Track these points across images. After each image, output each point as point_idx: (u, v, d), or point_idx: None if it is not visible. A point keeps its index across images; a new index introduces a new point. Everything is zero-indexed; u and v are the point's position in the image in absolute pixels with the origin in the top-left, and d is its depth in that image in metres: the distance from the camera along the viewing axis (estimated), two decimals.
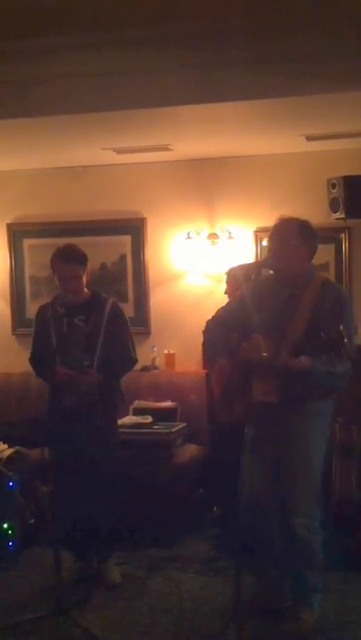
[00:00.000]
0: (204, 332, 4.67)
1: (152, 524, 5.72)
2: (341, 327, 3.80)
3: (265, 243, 5.65)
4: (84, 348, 4.89)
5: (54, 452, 4.80)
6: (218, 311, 4.63)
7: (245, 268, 4.90)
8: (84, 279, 5.02)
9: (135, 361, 5.17)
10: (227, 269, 5.85)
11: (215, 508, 5.68)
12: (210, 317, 5.23)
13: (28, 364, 5.27)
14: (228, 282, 5.69)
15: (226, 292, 5.65)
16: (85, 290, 5.06)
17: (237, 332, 4.30)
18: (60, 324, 4.90)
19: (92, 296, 5.08)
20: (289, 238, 4.23)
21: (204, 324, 4.98)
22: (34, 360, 5.16)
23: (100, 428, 4.90)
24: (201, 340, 4.81)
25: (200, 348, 5.36)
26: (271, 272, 4.43)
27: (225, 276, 5.84)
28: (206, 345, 4.78)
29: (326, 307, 4.13)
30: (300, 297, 4.22)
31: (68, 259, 4.97)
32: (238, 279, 5.08)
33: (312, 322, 4.07)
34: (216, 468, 5.20)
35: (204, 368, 5.64)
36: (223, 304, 4.73)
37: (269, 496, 4.34)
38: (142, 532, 5.66)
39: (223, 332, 4.45)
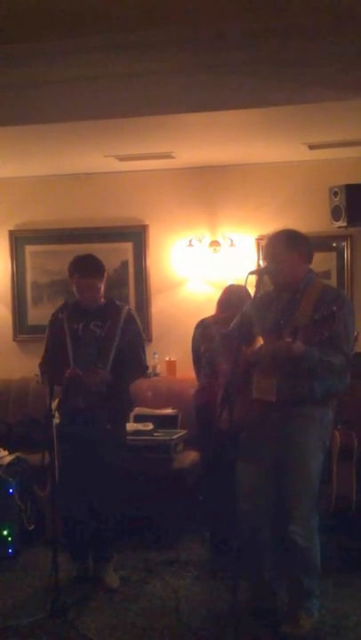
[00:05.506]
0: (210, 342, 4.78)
1: (151, 529, 5.75)
2: (335, 308, 3.88)
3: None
4: (98, 353, 4.94)
5: (61, 452, 4.81)
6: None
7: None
8: (102, 289, 5.06)
9: (146, 368, 5.26)
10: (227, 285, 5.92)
11: (200, 497, 5.70)
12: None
13: (29, 370, 5.27)
14: (220, 299, 5.71)
15: (217, 304, 5.70)
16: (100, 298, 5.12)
17: (241, 341, 4.36)
18: (75, 328, 4.95)
19: (107, 303, 5.13)
20: (278, 250, 4.32)
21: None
22: (45, 364, 5.15)
23: (108, 432, 4.94)
24: None
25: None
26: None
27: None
28: (210, 351, 4.98)
29: (325, 306, 4.15)
30: (300, 300, 4.27)
31: (90, 274, 5.00)
32: (231, 297, 5.35)
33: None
34: (212, 473, 5.20)
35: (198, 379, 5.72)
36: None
37: (266, 500, 4.34)
38: (140, 535, 5.67)
39: (229, 344, 4.50)
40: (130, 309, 5.18)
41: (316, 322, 3.92)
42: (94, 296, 5.03)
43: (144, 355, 5.18)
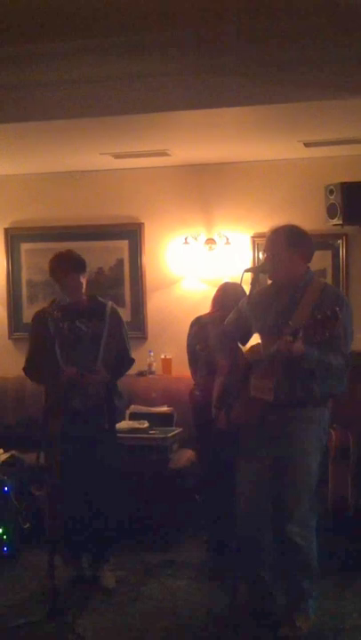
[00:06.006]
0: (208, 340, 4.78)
1: (147, 529, 5.74)
2: (338, 308, 3.86)
3: (261, 254, 5.74)
4: (88, 351, 4.92)
5: (61, 452, 4.81)
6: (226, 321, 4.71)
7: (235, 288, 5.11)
8: (85, 285, 5.04)
9: (133, 361, 5.24)
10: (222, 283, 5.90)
11: (197, 497, 5.71)
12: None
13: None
14: (216, 296, 5.70)
15: (212, 301, 5.70)
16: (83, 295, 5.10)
17: (240, 340, 4.38)
18: (61, 328, 4.92)
19: (90, 300, 5.11)
20: (278, 247, 4.30)
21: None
22: (30, 368, 5.13)
23: (106, 431, 4.97)
24: None
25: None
26: (268, 279, 4.49)
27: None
28: (209, 351, 4.97)
29: (325, 307, 4.13)
30: (299, 300, 4.25)
31: (82, 270, 5.00)
32: (226, 295, 5.31)
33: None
34: (211, 472, 5.21)
35: (193, 377, 5.73)
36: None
37: (265, 501, 4.33)
38: (137, 536, 5.66)
39: (226, 341, 4.53)
40: (113, 304, 5.17)
41: (318, 321, 3.90)
42: (80, 292, 5.02)
43: (130, 348, 5.19)
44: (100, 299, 5.17)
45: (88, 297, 5.11)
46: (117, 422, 5.33)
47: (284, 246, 4.28)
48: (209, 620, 4.54)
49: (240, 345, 4.43)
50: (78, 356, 4.91)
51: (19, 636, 4.42)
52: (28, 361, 5.12)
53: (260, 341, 4.30)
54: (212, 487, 5.20)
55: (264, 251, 4.47)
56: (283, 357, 4.06)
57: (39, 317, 5.11)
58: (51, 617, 4.49)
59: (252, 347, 4.31)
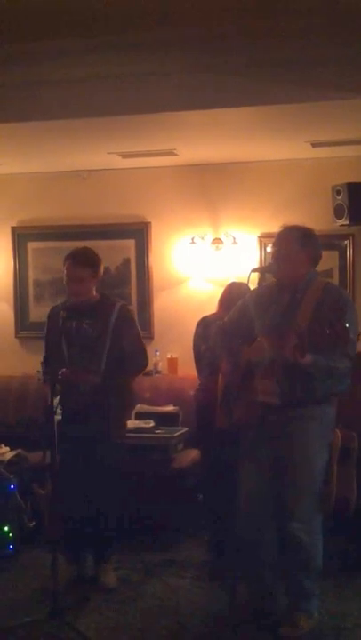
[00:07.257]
0: (209, 340, 4.75)
1: (148, 529, 5.75)
2: (347, 324, 3.83)
3: (269, 248, 5.71)
4: (89, 352, 4.91)
5: (60, 451, 4.81)
6: (224, 319, 4.69)
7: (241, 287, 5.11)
8: (92, 283, 5.00)
9: (144, 365, 5.15)
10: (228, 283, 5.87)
11: (200, 496, 5.70)
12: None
13: (30, 367, 5.26)
14: (222, 297, 5.68)
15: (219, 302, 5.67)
16: (95, 294, 5.06)
17: (241, 339, 4.36)
18: (68, 327, 4.91)
19: (100, 300, 5.07)
20: (289, 245, 4.29)
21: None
22: (46, 362, 5.13)
23: (106, 431, 4.94)
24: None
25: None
26: (273, 279, 4.47)
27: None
28: (210, 350, 4.94)
29: (327, 307, 4.14)
30: (300, 300, 4.24)
31: (76, 261, 4.96)
32: (232, 295, 5.23)
33: (314, 321, 4.05)
34: (213, 472, 5.20)
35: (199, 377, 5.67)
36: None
37: (266, 501, 4.32)
38: (138, 536, 5.66)
39: (226, 339, 4.50)
40: (123, 305, 5.11)
41: (328, 336, 3.86)
42: (80, 288, 4.96)
43: (141, 353, 5.07)
44: (111, 298, 5.13)
45: (99, 296, 5.07)
46: (120, 421, 5.27)
47: (291, 244, 4.28)
48: (209, 620, 4.54)
49: (245, 345, 4.41)
50: (80, 356, 4.91)
51: (20, 634, 4.41)
52: (44, 355, 5.13)
53: (258, 340, 4.28)
54: (213, 487, 5.20)
55: (272, 246, 4.46)
56: (288, 363, 4.05)
57: (52, 314, 5.13)
58: (52, 616, 4.47)
59: (252, 345, 4.29)
